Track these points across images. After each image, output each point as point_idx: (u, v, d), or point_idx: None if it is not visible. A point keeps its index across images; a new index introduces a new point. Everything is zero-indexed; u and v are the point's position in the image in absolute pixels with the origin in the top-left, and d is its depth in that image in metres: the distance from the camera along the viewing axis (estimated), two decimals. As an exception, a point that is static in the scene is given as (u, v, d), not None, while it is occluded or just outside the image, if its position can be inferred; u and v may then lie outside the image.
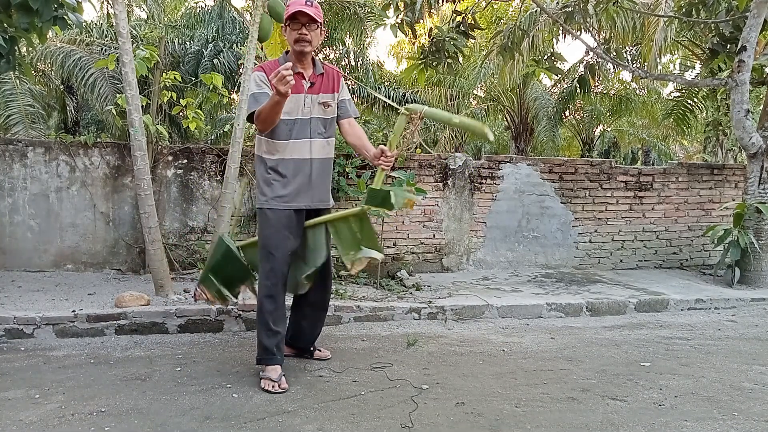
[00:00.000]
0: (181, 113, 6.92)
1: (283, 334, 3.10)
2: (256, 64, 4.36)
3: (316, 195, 3.11)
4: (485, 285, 5.38)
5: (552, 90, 15.20)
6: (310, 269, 3.16)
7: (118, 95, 6.03)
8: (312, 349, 3.42)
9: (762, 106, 5.95)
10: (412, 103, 13.70)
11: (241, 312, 4.01)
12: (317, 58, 3.16)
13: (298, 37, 2.91)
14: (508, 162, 6.21)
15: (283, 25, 3.02)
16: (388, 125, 7.99)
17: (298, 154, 3.02)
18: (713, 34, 6.38)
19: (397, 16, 5.85)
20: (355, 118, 3.26)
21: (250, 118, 2.93)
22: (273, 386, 2.88)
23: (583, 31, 7.28)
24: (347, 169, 5.46)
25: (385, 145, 3.02)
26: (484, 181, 6.11)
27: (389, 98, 12.70)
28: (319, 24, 2.95)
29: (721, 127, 10.13)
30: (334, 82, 3.13)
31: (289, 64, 2.55)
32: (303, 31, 2.90)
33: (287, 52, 3.09)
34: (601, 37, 8.74)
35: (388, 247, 5.82)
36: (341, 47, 11.95)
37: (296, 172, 3.03)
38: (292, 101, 2.91)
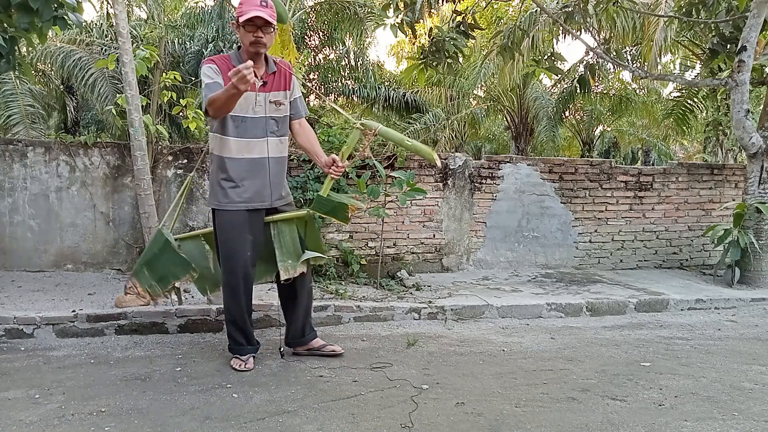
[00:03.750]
0: (181, 113, 6.92)
1: (251, 328, 3.26)
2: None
3: (275, 193, 3.15)
4: (485, 285, 5.38)
5: (552, 90, 15.19)
6: (271, 268, 3.23)
7: (118, 95, 6.02)
8: (321, 345, 3.42)
9: (762, 106, 5.95)
10: (412, 103, 13.68)
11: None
12: (270, 56, 3.15)
13: (254, 40, 2.91)
14: (508, 162, 6.21)
15: (235, 23, 2.97)
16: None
17: (253, 153, 3.03)
18: (713, 34, 6.38)
19: (397, 16, 5.84)
20: (306, 118, 3.28)
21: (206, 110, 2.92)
22: (240, 365, 3.15)
23: (583, 31, 7.28)
24: (347, 169, 5.45)
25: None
26: (484, 181, 6.11)
27: (389, 98, 12.72)
28: (273, 26, 2.94)
29: (721, 127, 10.11)
30: (286, 80, 3.12)
31: (251, 63, 2.56)
32: (258, 34, 2.90)
33: (239, 48, 3.07)
34: (601, 37, 8.74)
35: (388, 247, 5.82)
36: (341, 47, 11.95)
37: (252, 171, 3.04)
38: (242, 98, 2.90)
